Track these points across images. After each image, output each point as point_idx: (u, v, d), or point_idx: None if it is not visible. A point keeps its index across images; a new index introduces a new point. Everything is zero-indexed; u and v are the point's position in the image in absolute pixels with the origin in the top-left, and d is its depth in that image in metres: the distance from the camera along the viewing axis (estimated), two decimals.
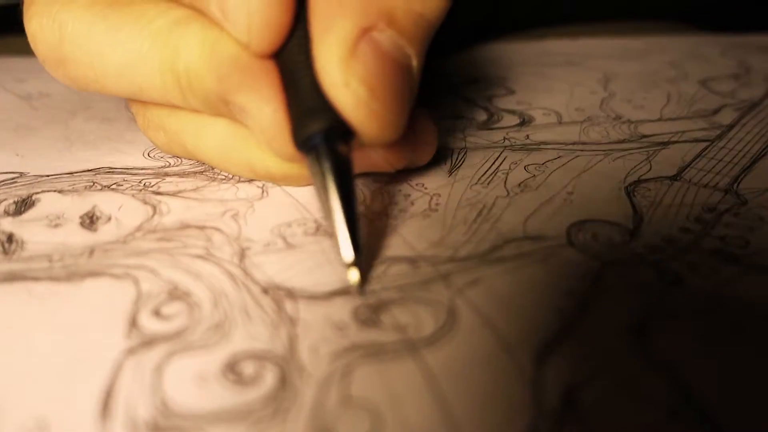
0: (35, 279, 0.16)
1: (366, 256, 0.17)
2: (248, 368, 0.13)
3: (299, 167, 0.18)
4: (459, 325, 0.14)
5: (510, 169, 0.22)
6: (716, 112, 0.27)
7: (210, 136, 0.19)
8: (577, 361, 0.13)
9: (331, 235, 0.16)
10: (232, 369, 0.13)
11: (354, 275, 0.15)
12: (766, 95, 0.29)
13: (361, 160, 0.19)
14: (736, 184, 0.21)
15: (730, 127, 0.26)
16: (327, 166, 0.15)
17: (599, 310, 0.15)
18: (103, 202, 0.20)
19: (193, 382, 0.13)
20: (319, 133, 0.16)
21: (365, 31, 0.15)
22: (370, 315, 0.15)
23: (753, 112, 0.27)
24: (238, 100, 0.16)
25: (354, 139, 0.16)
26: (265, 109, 0.16)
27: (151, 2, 0.18)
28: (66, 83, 0.20)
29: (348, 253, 0.15)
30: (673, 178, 0.21)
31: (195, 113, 0.19)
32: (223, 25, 0.16)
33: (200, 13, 0.17)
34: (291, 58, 0.16)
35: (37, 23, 0.19)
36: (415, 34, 0.16)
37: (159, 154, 0.24)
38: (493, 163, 0.23)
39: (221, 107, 0.17)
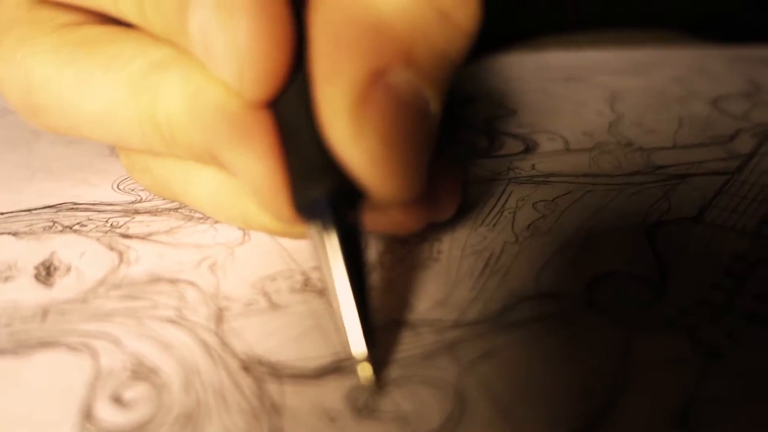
0: None
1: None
2: None
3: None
4: (471, 414, 0.12)
5: (517, 207, 0.20)
6: (732, 138, 0.26)
7: (200, 185, 0.17)
8: None
9: (336, 315, 0.13)
10: None
11: (366, 371, 0.13)
12: None
13: (372, 223, 0.16)
14: (766, 226, 0.19)
15: (750, 156, 0.24)
16: (334, 238, 0.13)
17: (632, 394, 0.13)
18: (64, 247, 0.18)
19: None
20: (323, 198, 0.13)
21: (379, 75, 0.12)
22: (367, 401, 0.13)
23: None
24: (225, 156, 0.14)
25: (364, 202, 0.14)
26: (259, 166, 0.13)
27: (127, 42, 0.15)
28: (45, 130, 0.18)
29: (359, 346, 0.13)
30: (696, 219, 0.19)
31: (183, 160, 0.17)
32: (210, 68, 0.14)
33: (182, 53, 0.15)
34: (289, 106, 0.13)
35: (3, 70, 0.16)
36: (437, 75, 0.14)
37: (130, 186, 0.22)
38: (498, 199, 0.21)
39: (210, 160, 0.15)
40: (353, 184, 0.13)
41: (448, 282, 0.16)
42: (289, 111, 0.13)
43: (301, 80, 0.13)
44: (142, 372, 0.13)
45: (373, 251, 0.18)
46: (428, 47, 0.13)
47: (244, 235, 0.18)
